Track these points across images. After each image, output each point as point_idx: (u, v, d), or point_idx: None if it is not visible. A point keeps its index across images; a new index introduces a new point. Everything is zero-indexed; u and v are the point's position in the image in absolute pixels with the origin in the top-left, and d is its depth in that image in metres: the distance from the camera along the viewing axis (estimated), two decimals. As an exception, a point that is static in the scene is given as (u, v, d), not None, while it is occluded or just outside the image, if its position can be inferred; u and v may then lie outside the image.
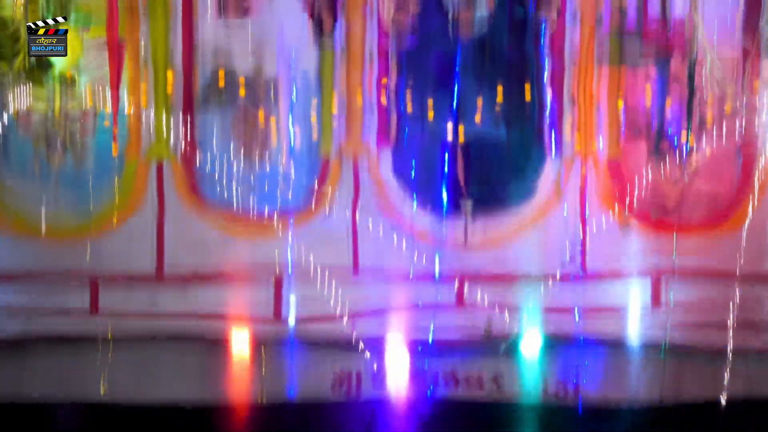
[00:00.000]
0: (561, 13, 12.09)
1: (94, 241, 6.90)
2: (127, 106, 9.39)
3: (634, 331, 5.99)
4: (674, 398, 5.21)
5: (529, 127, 9.41)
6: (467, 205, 7.69)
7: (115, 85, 9.93)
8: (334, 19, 11.86)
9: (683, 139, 8.88)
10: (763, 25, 11.86)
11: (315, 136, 8.94)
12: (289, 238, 7.05)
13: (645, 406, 5.15)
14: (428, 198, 7.80)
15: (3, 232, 7.27)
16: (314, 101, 9.77)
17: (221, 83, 9.98)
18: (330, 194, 7.76)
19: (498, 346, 5.68)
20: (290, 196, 7.67)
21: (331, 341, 5.69)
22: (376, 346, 5.60)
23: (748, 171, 8.27)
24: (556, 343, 5.76)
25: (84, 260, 6.62)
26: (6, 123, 8.87)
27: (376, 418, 4.97)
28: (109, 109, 9.28)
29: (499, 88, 10.11)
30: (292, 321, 6.02)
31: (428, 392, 5.15)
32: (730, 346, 5.63)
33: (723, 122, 9.14)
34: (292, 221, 7.29)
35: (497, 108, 9.61)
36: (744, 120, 9.18)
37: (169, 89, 9.91)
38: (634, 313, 6.17)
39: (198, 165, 8.14)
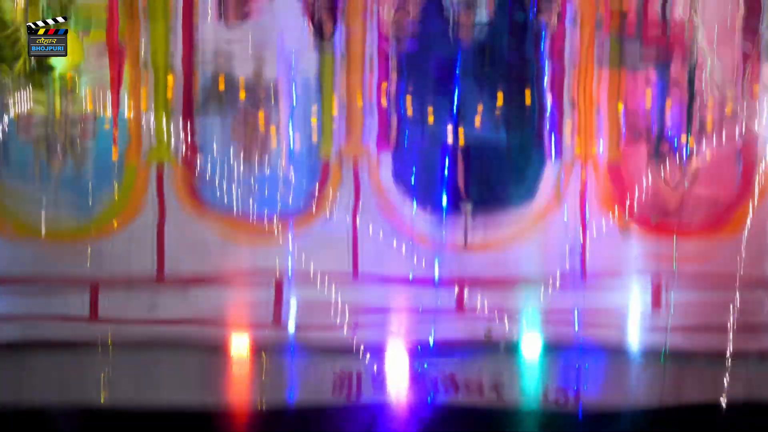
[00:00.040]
0: (561, 17, 12.09)
1: (94, 244, 6.90)
2: (127, 109, 9.39)
3: (635, 335, 6.00)
4: (675, 402, 5.22)
5: (529, 130, 9.41)
6: (467, 208, 7.69)
7: (116, 89, 9.93)
8: (334, 23, 11.86)
9: (683, 143, 8.88)
10: (764, 28, 11.87)
11: (315, 139, 8.94)
12: (290, 242, 7.06)
13: (645, 411, 5.16)
14: (428, 201, 7.80)
15: (3, 235, 7.28)
16: (314, 104, 9.78)
17: (221, 87, 9.99)
18: (330, 197, 7.77)
19: (498, 350, 5.69)
20: (290, 200, 7.67)
21: (330, 345, 5.69)
22: (376, 350, 5.60)
23: (749, 174, 8.27)
24: (556, 348, 5.76)
25: (84, 264, 6.62)
26: (6, 126, 8.88)
27: (376, 423, 4.97)
28: (109, 112, 9.28)
29: (499, 92, 10.11)
30: (292, 325, 6.02)
31: (429, 398, 5.16)
32: (730, 350, 5.63)
33: (723, 126, 9.14)
34: (292, 224, 7.29)
35: (497, 111, 9.61)
36: (744, 124, 9.18)
37: (170, 93, 9.91)
38: (634, 317, 6.17)
39: (198, 168, 8.15)
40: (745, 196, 7.85)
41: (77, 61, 10.38)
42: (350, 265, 6.81)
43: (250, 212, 7.52)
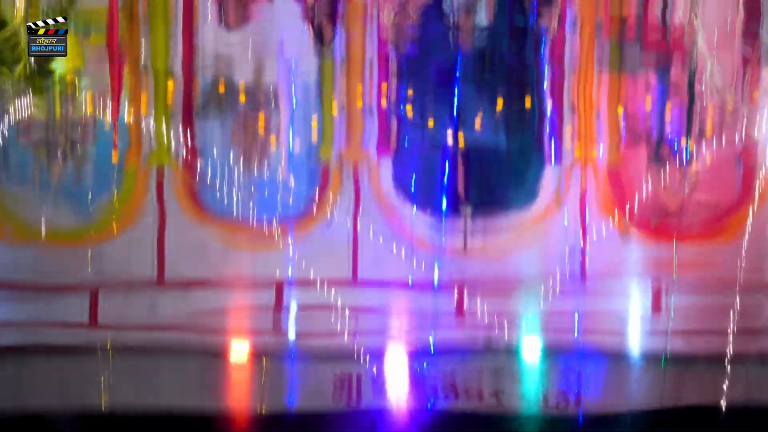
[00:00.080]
0: (561, 21, 12.10)
1: (94, 248, 6.90)
2: (127, 113, 9.39)
3: (635, 339, 5.99)
4: (675, 406, 5.21)
5: (529, 134, 9.41)
6: (467, 212, 7.69)
7: (116, 92, 9.93)
8: (334, 27, 11.87)
9: (683, 147, 8.88)
10: (763, 33, 11.87)
11: (315, 143, 8.94)
12: (290, 245, 7.06)
13: (645, 414, 5.15)
14: (428, 205, 7.80)
15: (3, 239, 7.27)
16: (314, 109, 9.78)
17: (221, 91, 9.99)
18: (330, 201, 7.76)
19: (498, 354, 5.68)
20: (291, 203, 7.67)
21: (330, 350, 5.69)
22: (376, 355, 5.59)
23: (749, 178, 8.27)
24: (557, 352, 5.76)
25: (84, 268, 6.62)
26: (6, 130, 8.87)
27: (376, 428, 4.97)
28: (109, 116, 9.28)
29: (499, 96, 10.12)
30: (292, 329, 6.02)
31: (429, 404, 5.15)
32: (729, 353, 5.63)
33: (723, 130, 9.14)
34: (292, 228, 7.29)
35: (497, 115, 9.61)
36: (744, 128, 9.18)
37: (170, 96, 9.91)
38: (634, 321, 6.16)
39: (198, 172, 8.15)
40: (745, 199, 7.85)
41: (77, 65, 10.39)
42: (350, 269, 6.81)
43: (250, 216, 7.52)
